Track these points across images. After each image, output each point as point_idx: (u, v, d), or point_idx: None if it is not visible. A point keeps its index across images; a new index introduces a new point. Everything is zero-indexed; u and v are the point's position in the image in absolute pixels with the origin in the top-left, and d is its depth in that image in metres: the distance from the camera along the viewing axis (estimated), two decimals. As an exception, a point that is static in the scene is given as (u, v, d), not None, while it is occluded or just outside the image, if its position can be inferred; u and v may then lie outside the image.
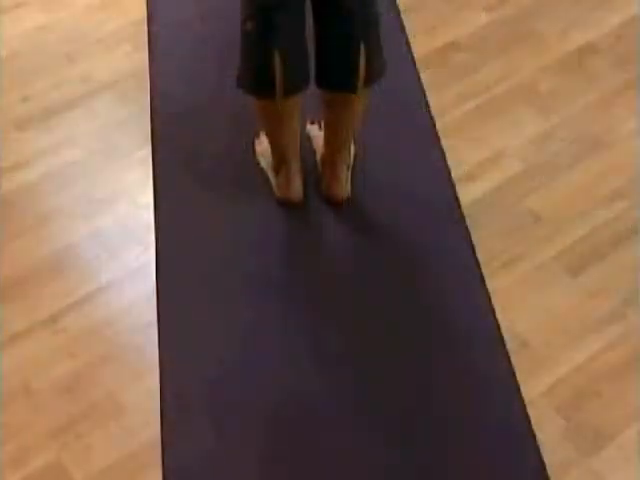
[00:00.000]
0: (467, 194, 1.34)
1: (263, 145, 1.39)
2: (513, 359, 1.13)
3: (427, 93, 1.50)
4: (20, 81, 1.59)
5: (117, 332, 1.20)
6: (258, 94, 1.17)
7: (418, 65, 1.55)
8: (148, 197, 1.37)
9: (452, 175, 1.37)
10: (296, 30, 1.10)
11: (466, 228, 1.29)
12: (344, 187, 1.29)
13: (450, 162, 1.39)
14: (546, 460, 1.03)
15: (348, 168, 1.31)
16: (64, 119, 1.51)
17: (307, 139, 1.38)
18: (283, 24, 1.07)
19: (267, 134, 1.26)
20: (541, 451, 1.04)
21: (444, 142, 1.42)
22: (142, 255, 1.29)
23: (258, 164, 1.39)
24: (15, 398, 1.14)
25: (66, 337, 1.19)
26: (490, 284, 1.22)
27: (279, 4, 1.06)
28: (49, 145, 1.47)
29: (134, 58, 1.60)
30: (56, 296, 1.24)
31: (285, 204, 1.31)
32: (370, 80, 1.13)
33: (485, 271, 1.23)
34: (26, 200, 1.39)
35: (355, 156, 1.37)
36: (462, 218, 1.30)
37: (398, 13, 1.66)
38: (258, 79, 1.14)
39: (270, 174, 1.35)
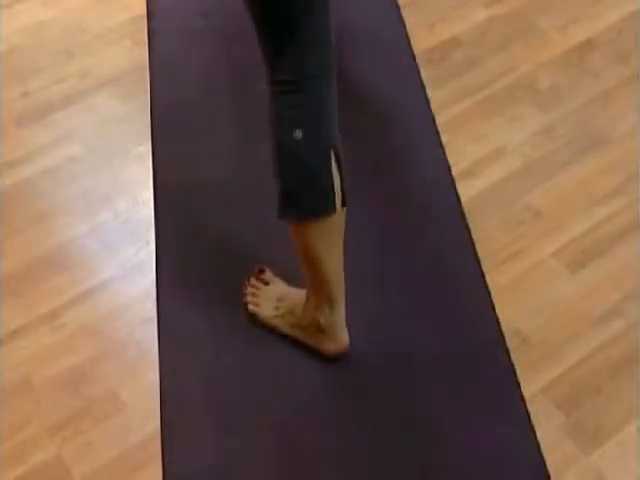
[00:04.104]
0: (467, 190, 1.34)
1: (282, 301, 1.12)
2: (513, 355, 1.12)
3: (427, 89, 1.49)
4: (20, 77, 1.58)
5: (117, 328, 1.19)
6: (318, 212, 0.94)
7: (418, 61, 1.55)
8: (148, 193, 1.36)
9: (452, 171, 1.36)
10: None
11: (466, 224, 1.28)
12: None
13: (450, 158, 1.38)
14: (546, 457, 1.03)
15: None
16: (64, 115, 1.50)
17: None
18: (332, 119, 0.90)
19: (316, 272, 1.00)
20: (541, 448, 1.03)
21: (444, 138, 1.41)
22: (142, 251, 1.29)
23: (281, 333, 1.11)
24: (15, 394, 1.13)
25: (66, 333, 1.19)
26: (490, 280, 1.21)
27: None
28: (49, 141, 1.46)
29: (134, 54, 1.60)
30: (56, 292, 1.24)
31: (334, 357, 1.09)
32: None
33: (485, 267, 1.23)
34: (26, 196, 1.38)
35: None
36: (462, 214, 1.30)
37: (397, 8, 1.65)
38: (316, 192, 0.93)
39: (311, 336, 1.09)
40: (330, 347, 1.10)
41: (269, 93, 0.92)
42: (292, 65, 0.89)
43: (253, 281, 1.18)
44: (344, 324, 1.08)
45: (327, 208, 0.94)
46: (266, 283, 1.17)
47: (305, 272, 1.04)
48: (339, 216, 0.97)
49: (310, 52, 0.88)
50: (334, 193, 0.94)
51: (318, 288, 1.04)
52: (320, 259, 0.99)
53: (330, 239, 0.99)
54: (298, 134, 0.90)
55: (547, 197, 1.33)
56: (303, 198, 0.95)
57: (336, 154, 0.93)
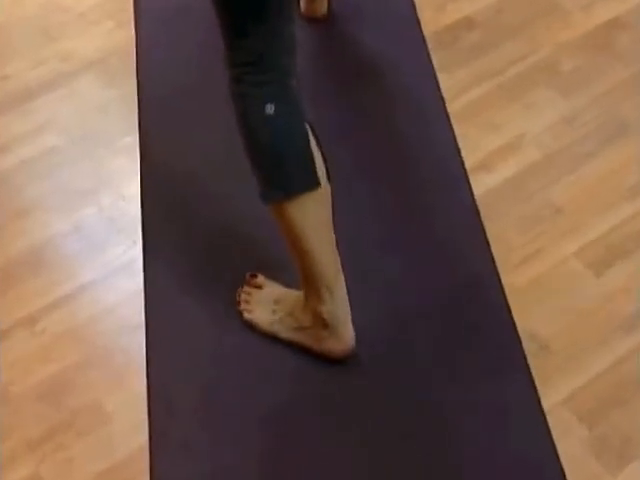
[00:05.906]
0: (481, 184, 1.29)
1: (279, 304, 1.10)
2: (531, 363, 1.08)
3: (438, 75, 1.45)
4: (-3, 60, 1.54)
5: (101, 333, 1.15)
6: (304, 186, 0.93)
7: (428, 44, 1.50)
8: (135, 188, 1.32)
9: (465, 164, 1.32)
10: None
11: (480, 221, 1.24)
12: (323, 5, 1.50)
13: (463, 150, 1.34)
14: (567, 474, 0.98)
15: None
16: (43, 101, 1.46)
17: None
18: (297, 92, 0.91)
19: (308, 258, 0.98)
20: (562, 465, 0.99)
21: (456, 128, 1.37)
22: (129, 250, 1.25)
23: (277, 337, 1.08)
24: (-10, 406, 1.10)
25: (46, 339, 1.15)
26: (506, 282, 1.17)
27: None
28: (27, 130, 1.42)
29: (119, 35, 1.55)
30: (35, 295, 1.20)
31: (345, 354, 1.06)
32: None
33: (501, 268, 1.19)
34: (2, 190, 1.35)
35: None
36: (476, 210, 1.26)
37: (406, -13, 1.61)
38: (297, 165, 0.92)
39: (314, 338, 1.05)
40: (336, 347, 1.06)
41: (230, 77, 0.93)
42: (255, 46, 0.90)
43: (245, 287, 1.15)
44: (348, 319, 1.05)
45: (311, 181, 0.94)
46: (259, 287, 1.14)
47: (298, 263, 1.01)
48: (324, 192, 0.96)
49: (273, 33, 0.90)
50: (315, 165, 0.94)
51: (314, 277, 1.01)
52: (309, 241, 0.97)
53: (317, 217, 0.97)
54: (270, 108, 0.90)
55: (568, 192, 1.29)
56: (285, 174, 0.94)
57: (311, 128, 0.94)
